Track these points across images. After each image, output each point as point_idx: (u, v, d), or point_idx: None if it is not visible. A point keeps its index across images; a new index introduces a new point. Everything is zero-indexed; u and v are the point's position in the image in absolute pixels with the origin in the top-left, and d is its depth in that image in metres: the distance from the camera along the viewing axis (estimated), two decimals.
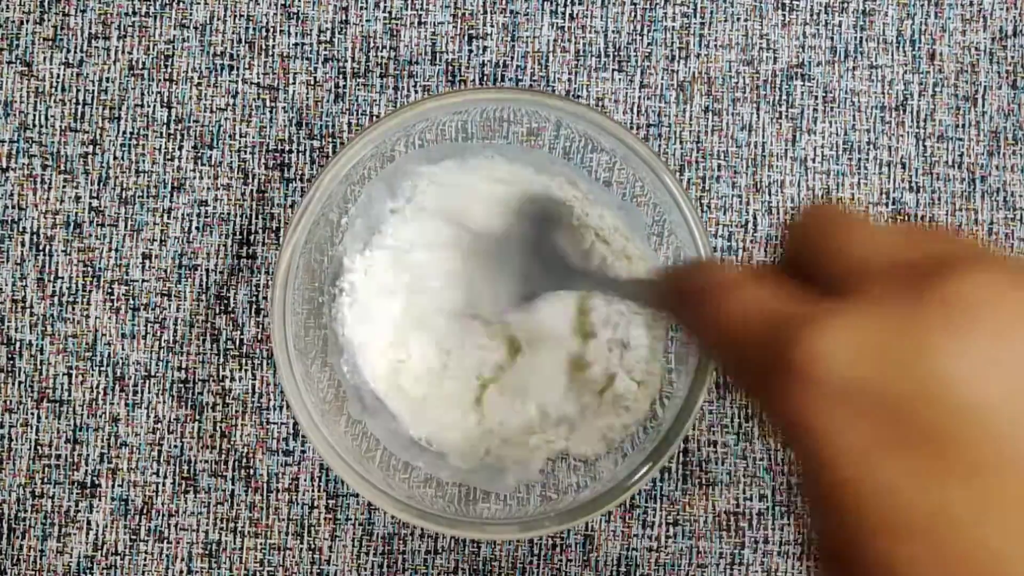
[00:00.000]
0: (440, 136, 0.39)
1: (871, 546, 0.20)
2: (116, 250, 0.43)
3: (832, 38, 0.44)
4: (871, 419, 0.20)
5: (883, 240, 0.23)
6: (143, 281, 0.43)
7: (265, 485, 0.43)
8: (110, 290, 0.43)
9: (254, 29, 0.44)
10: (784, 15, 0.44)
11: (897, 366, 0.20)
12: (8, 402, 0.43)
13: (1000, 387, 0.19)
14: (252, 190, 0.44)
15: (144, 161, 0.44)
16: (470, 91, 0.41)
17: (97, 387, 0.43)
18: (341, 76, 0.44)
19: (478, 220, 0.41)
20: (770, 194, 0.44)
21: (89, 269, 0.43)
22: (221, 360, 0.43)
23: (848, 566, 0.21)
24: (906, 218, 0.44)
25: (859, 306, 0.21)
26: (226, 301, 0.43)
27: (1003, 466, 0.19)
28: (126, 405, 0.43)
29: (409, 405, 0.41)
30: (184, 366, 0.43)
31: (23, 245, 0.43)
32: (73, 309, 0.43)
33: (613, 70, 0.44)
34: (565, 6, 0.44)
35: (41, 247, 0.43)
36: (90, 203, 0.43)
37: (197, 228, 0.44)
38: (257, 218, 0.44)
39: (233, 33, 0.44)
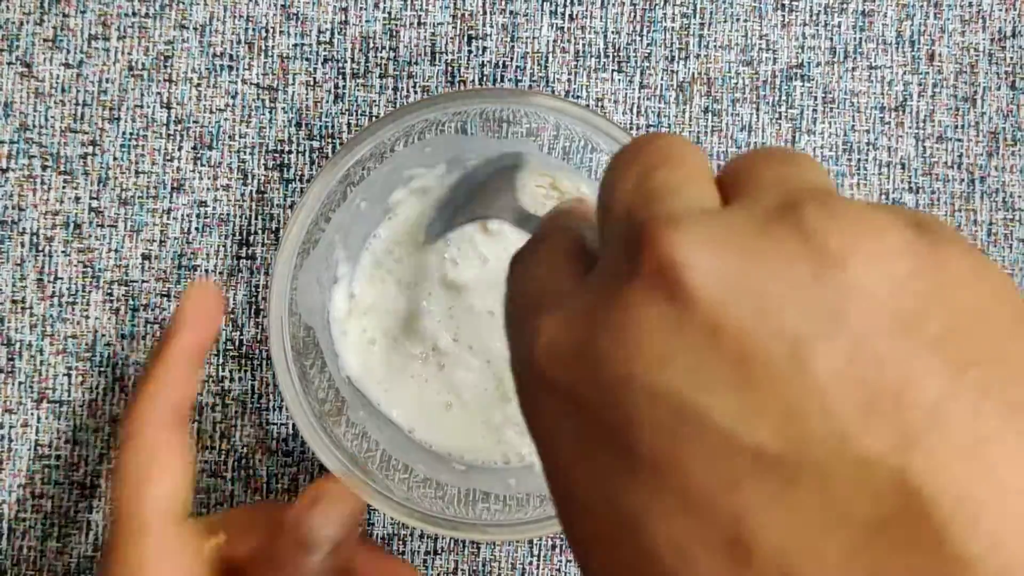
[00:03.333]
0: (439, 135, 0.39)
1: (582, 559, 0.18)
2: (116, 251, 0.43)
3: (831, 39, 0.44)
4: (575, 417, 0.18)
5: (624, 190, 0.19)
6: (143, 282, 0.43)
7: (265, 486, 0.43)
8: (110, 291, 0.43)
9: (254, 29, 0.44)
10: (783, 16, 0.44)
11: (584, 358, 0.18)
12: (8, 403, 0.43)
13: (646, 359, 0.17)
14: (252, 191, 0.44)
15: (144, 162, 0.44)
16: (469, 93, 0.41)
17: (97, 387, 0.43)
18: (341, 76, 0.44)
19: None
20: None
21: (89, 270, 0.43)
22: (220, 360, 0.43)
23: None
24: None
25: (573, 298, 0.19)
26: (226, 301, 0.43)
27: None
28: (126, 406, 0.43)
29: (387, 398, 0.41)
30: None
31: (23, 246, 0.43)
32: (73, 310, 0.43)
33: (613, 71, 0.44)
34: (565, 6, 0.44)
35: (41, 248, 0.43)
36: (90, 204, 0.43)
37: (197, 229, 0.44)
38: (256, 219, 0.44)
39: (233, 34, 0.44)
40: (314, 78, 0.44)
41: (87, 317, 0.43)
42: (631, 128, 0.44)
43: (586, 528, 0.18)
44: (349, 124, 0.44)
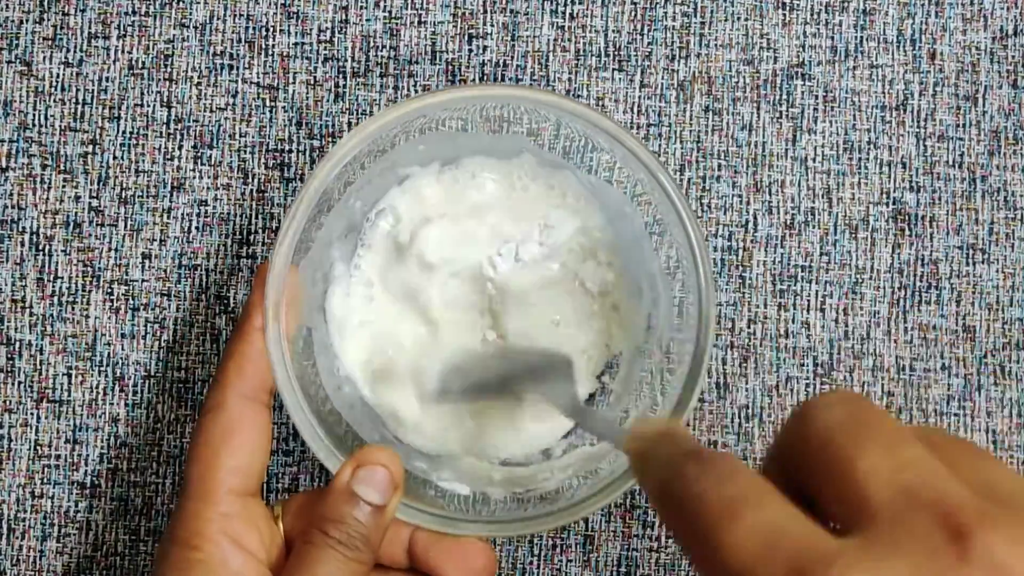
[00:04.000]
0: (440, 132, 0.39)
1: None
2: (116, 250, 0.43)
3: (832, 37, 0.44)
4: None
5: (904, 456, 0.21)
6: (143, 281, 0.43)
7: (265, 485, 0.43)
8: (110, 290, 0.43)
9: (254, 29, 0.44)
10: (784, 14, 0.44)
11: None
12: (8, 402, 0.43)
13: None
14: (252, 190, 0.44)
15: (144, 161, 0.44)
16: (464, 88, 0.41)
17: (97, 387, 0.43)
18: (341, 76, 0.44)
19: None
20: (770, 194, 0.44)
21: (89, 269, 0.43)
22: (219, 360, 0.43)
23: None
24: (906, 218, 0.44)
25: (877, 553, 0.20)
26: (226, 301, 0.43)
27: None
28: (126, 405, 0.43)
29: (394, 413, 0.41)
30: (184, 366, 0.43)
31: (23, 245, 0.43)
32: (73, 309, 0.43)
33: (613, 70, 0.44)
34: (565, 6, 0.44)
35: (41, 247, 0.43)
36: (90, 203, 0.43)
37: (197, 228, 0.43)
38: (257, 218, 0.44)
39: (233, 33, 0.44)
40: (314, 77, 0.44)
41: (87, 317, 0.43)
42: (632, 127, 0.44)
43: None
44: (349, 123, 0.44)
